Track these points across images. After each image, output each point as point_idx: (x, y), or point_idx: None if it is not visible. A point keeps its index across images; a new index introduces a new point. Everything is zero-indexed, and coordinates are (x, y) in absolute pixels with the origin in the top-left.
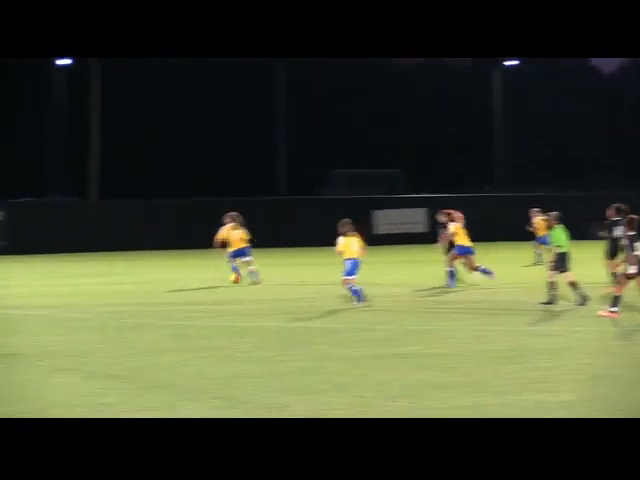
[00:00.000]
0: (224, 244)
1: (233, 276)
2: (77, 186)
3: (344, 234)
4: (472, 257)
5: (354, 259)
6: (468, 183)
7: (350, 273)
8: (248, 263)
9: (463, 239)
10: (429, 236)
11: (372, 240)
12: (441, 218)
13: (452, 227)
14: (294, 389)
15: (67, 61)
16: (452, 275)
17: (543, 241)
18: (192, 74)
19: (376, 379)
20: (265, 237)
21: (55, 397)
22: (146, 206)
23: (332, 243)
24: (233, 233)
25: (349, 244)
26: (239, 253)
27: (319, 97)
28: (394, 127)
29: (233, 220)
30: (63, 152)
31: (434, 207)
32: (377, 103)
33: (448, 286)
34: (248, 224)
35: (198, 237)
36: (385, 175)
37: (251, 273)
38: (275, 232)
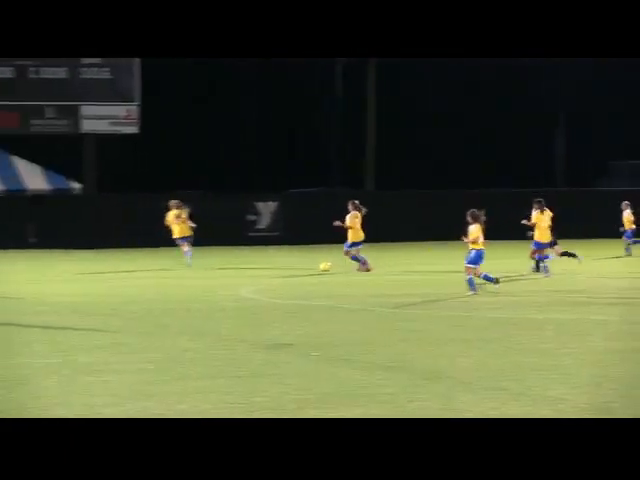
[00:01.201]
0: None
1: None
2: (353, 176)
3: (478, 222)
4: None
5: (480, 249)
6: None
7: (474, 262)
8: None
9: None
10: None
11: None
12: None
13: None
14: (571, 382)
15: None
16: None
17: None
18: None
19: None
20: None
21: (331, 388)
22: (422, 196)
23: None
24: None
25: (480, 234)
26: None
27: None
28: None
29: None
30: (340, 143)
31: None
32: None
33: None
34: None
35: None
36: None
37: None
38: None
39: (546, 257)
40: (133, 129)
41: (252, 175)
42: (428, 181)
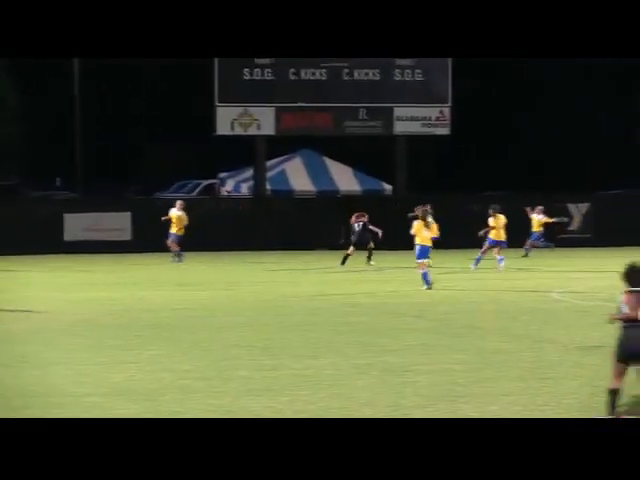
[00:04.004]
0: None
1: None
2: None
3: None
4: None
5: (423, 245)
6: None
7: (419, 257)
8: None
9: None
10: None
11: None
12: None
13: None
14: None
15: None
16: None
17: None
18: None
19: None
20: None
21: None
22: None
23: None
24: None
25: (421, 229)
26: None
27: None
28: None
29: None
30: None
31: None
32: None
33: None
34: None
35: None
36: None
37: None
38: None
39: (501, 258)
40: (445, 130)
41: (563, 175)
42: None
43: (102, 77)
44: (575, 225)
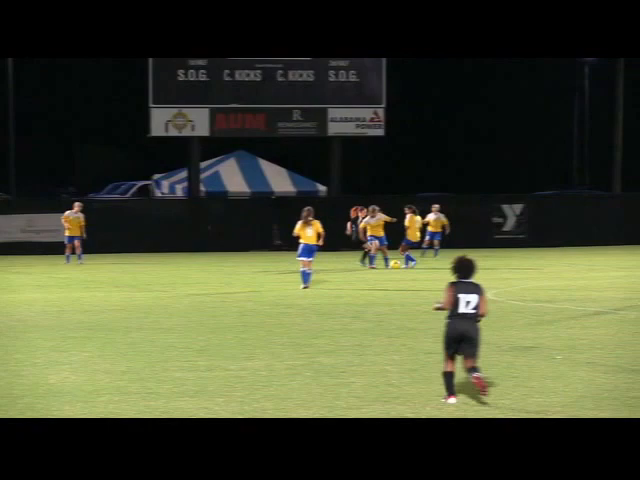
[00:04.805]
0: None
1: None
2: (600, 178)
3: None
4: None
5: (305, 244)
6: None
7: (299, 255)
8: None
9: None
10: None
11: None
12: None
13: None
14: None
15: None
16: None
17: None
18: None
19: None
20: None
21: (576, 391)
22: None
23: None
24: None
25: (304, 229)
26: None
27: None
28: None
29: None
30: (587, 144)
31: None
32: None
33: None
34: None
35: None
36: None
37: None
38: None
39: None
40: (379, 131)
41: (496, 177)
42: None
43: (35, 76)
44: (509, 226)
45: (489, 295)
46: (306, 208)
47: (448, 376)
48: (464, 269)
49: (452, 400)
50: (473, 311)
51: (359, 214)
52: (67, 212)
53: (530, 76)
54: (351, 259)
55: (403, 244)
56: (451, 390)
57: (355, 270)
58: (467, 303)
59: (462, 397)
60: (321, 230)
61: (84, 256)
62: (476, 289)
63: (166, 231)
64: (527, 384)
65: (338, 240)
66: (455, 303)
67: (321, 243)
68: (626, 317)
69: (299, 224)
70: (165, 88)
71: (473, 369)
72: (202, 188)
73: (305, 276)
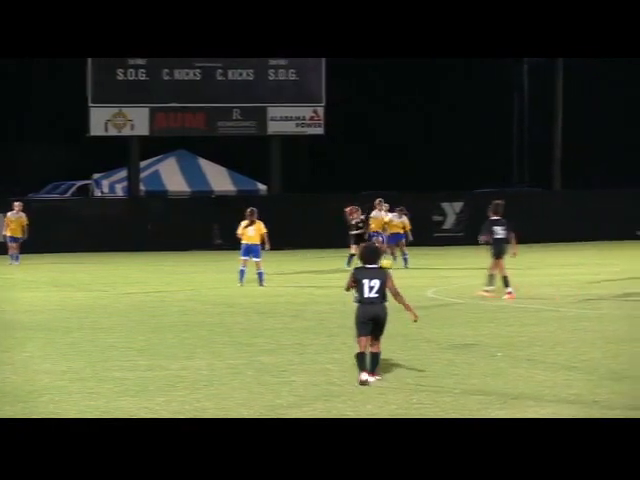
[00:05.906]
0: None
1: None
2: (539, 175)
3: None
4: None
5: (247, 244)
6: None
7: (242, 254)
8: None
9: None
10: None
11: None
12: None
13: None
14: None
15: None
16: None
17: None
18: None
19: None
20: None
21: (515, 388)
22: (606, 196)
23: None
24: None
25: (247, 230)
26: None
27: None
28: None
29: None
30: (526, 142)
31: None
32: None
33: None
34: None
35: None
36: None
37: None
38: None
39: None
40: (319, 130)
41: (437, 174)
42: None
43: None
44: (449, 224)
45: (429, 294)
46: (249, 209)
47: (362, 356)
48: (368, 255)
49: (364, 376)
50: (376, 295)
51: (354, 215)
52: (9, 213)
53: (469, 74)
54: (291, 258)
55: (392, 244)
56: (364, 367)
57: (295, 269)
58: (370, 288)
59: (404, 395)
60: (264, 230)
61: (21, 257)
62: (379, 274)
63: (106, 230)
64: (467, 381)
65: (278, 239)
66: (360, 289)
67: (268, 247)
68: (565, 314)
69: (243, 224)
70: (104, 87)
71: (375, 356)
72: (142, 187)
73: (242, 274)
